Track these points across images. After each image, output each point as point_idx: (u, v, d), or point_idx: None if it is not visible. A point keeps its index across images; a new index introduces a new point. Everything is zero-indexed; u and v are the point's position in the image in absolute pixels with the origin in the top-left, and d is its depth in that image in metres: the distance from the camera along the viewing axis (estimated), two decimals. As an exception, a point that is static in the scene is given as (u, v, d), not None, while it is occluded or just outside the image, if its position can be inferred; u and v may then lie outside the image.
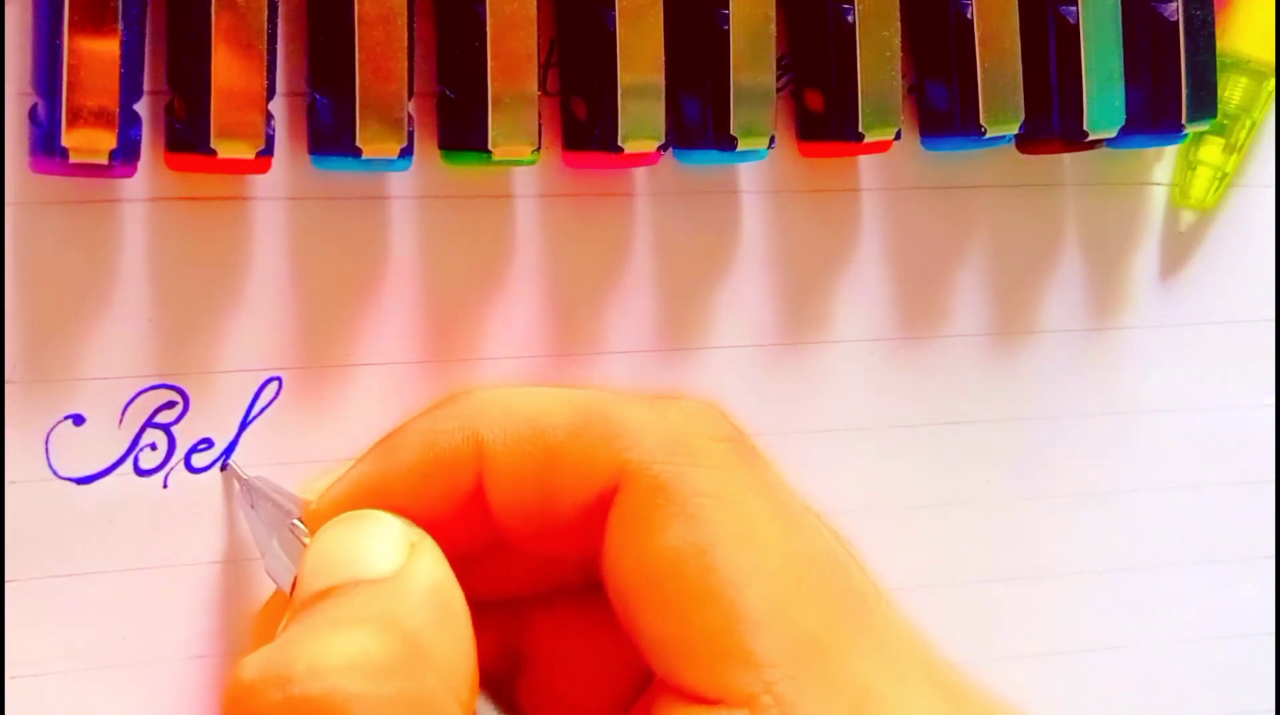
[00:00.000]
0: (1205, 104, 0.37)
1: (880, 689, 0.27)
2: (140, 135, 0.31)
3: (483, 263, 0.34)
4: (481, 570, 0.30)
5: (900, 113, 0.35)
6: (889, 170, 0.37)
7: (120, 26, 0.30)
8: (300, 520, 0.30)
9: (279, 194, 0.33)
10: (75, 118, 0.29)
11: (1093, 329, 0.39)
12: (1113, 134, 0.36)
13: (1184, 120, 0.37)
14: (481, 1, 0.32)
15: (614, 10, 0.33)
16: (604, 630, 0.31)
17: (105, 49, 0.29)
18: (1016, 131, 0.36)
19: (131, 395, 0.32)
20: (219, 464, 0.33)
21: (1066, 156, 0.39)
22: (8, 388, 0.31)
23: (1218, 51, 0.37)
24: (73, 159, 0.30)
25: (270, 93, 0.31)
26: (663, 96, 0.33)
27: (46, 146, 0.30)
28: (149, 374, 0.32)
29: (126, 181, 0.32)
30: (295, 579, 0.29)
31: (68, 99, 0.29)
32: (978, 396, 0.39)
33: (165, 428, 0.33)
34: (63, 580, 0.32)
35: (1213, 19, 0.37)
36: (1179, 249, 0.40)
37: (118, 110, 0.30)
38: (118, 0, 0.29)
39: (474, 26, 0.32)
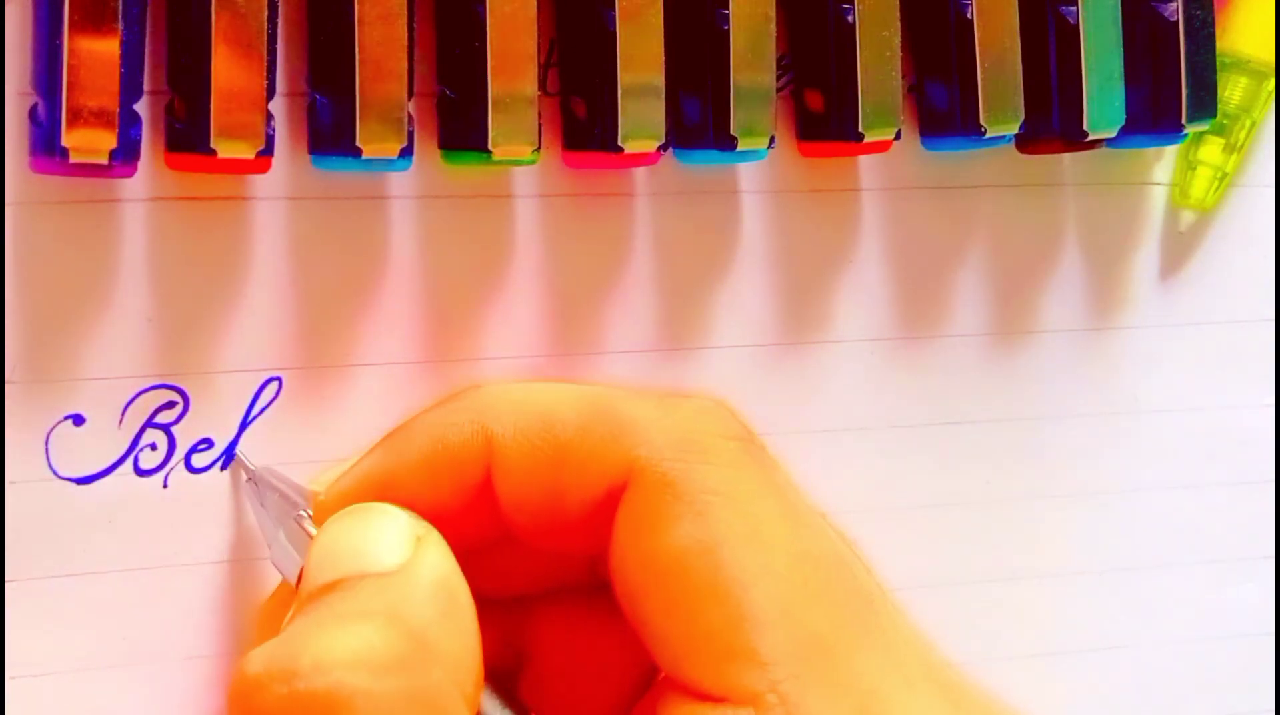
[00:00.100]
0: (1205, 104, 0.37)
1: (885, 690, 0.27)
2: (140, 135, 0.31)
3: (483, 263, 0.34)
4: (487, 566, 0.30)
5: (900, 113, 0.35)
6: (889, 170, 0.37)
7: (120, 26, 0.30)
8: (307, 512, 0.30)
9: (279, 194, 0.33)
10: (75, 118, 0.29)
11: (1093, 329, 0.39)
12: (1113, 134, 0.36)
13: (1184, 120, 0.37)
14: (481, 1, 0.32)
15: (614, 10, 0.33)
16: (608, 628, 0.31)
17: (105, 49, 0.29)
18: (1016, 131, 0.36)
19: (131, 395, 0.32)
20: (220, 463, 0.33)
21: (1066, 156, 0.39)
22: (8, 388, 0.31)
23: (1218, 51, 0.37)
24: (73, 159, 0.30)
25: (270, 93, 0.31)
26: (663, 96, 0.33)
27: (46, 146, 0.30)
28: (149, 374, 0.32)
29: (126, 181, 0.32)
30: (301, 571, 0.28)
31: (68, 99, 0.29)
32: (978, 396, 0.39)
33: (165, 428, 0.33)
34: (63, 580, 0.32)
35: (1213, 19, 0.37)
36: (1179, 249, 0.40)
37: (118, 110, 0.30)
38: (118, 0, 0.29)
39: (474, 26, 0.32)
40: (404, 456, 0.30)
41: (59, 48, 0.29)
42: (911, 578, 0.37)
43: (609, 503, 0.29)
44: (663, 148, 0.34)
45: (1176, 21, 0.36)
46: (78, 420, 0.32)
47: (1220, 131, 0.39)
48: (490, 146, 0.32)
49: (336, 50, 0.31)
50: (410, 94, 0.32)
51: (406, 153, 0.32)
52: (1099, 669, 0.40)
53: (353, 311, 0.34)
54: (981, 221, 0.38)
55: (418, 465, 0.30)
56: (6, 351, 0.31)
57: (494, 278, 0.35)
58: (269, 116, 0.31)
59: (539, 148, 0.33)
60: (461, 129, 0.33)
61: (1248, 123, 0.39)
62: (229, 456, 0.33)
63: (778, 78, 0.35)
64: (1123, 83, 0.36)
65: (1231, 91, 0.39)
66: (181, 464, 0.33)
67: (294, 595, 0.29)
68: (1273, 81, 0.39)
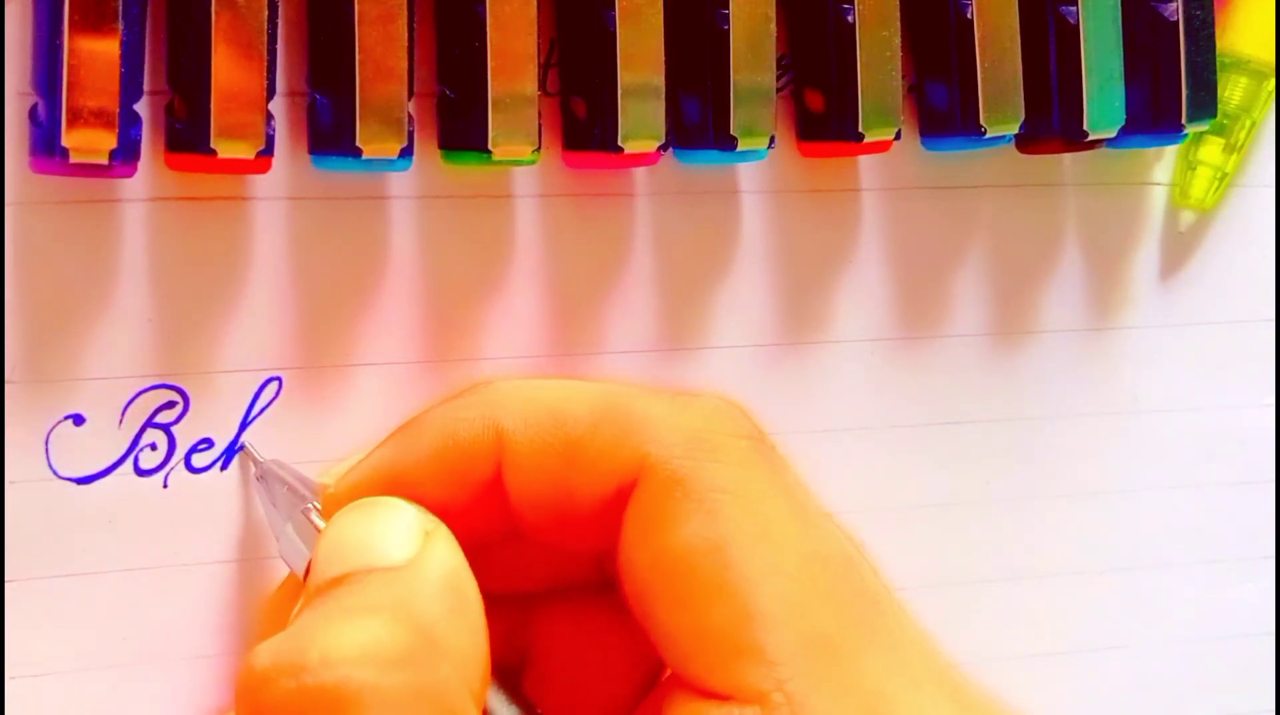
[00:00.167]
0: (1205, 104, 0.37)
1: (892, 691, 0.27)
2: (140, 135, 0.31)
3: (483, 263, 0.34)
4: (493, 562, 0.30)
5: (900, 113, 0.35)
6: (889, 170, 0.37)
7: (120, 26, 0.30)
8: (315, 505, 0.30)
9: (279, 194, 0.33)
10: (75, 118, 0.29)
11: (1093, 329, 0.39)
12: (1113, 134, 0.36)
13: (1184, 120, 0.37)
14: (481, 1, 0.32)
15: (614, 10, 0.33)
16: (612, 628, 0.31)
17: (105, 49, 0.29)
18: (1016, 131, 0.36)
19: (131, 395, 0.32)
20: (220, 463, 0.33)
21: (1066, 156, 0.39)
22: (8, 388, 0.31)
23: (1218, 51, 0.37)
24: (73, 159, 0.30)
25: (270, 93, 0.31)
26: (663, 96, 0.33)
27: (46, 146, 0.30)
28: (149, 374, 0.32)
29: (126, 181, 0.32)
30: (308, 564, 0.28)
31: (68, 99, 0.29)
32: (978, 396, 0.39)
33: (165, 428, 0.33)
34: (63, 580, 0.32)
35: (1213, 19, 0.37)
36: (1179, 249, 0.40)
37: (118, 110, 0.30)
38: (118, 0, 0.29)
39: (474, 26, 0.32)
40: (414, 451, 0.30)
41: (59, 48, 0.29)
42: (911, 578, 0.37)
43: (618, 500, 0.29)
44: (663, 148, 0.34)
45: (1176, 21, 0.36)
46: (78, 420, 0.32)
47: (1220, 131, 0.39)
48: (490, 146, 0.32)
49: (336, 50, 0.31)
50: (410, 94, 0.32)
51: (406, 153, 0.32)
52: (1099, 669, 0.40)
53: (353, 311, 0.34)
54: (981, 221, 0.38)
55: (428, 460, 0.30)
56: (6, 351, 0.31)
57: (494, 278, 0.35)
58: (269, 116, 0.31)
59: (539, 148, 0.33)
60: (461, 129, 0.33)
61: (1248, 123, 0.39)
62: (229, 456, 0.33)
63: (778, 78, 0.35)
64: (1123, 83, 0.36)
65: (1231, 91, 0.39)
66: (181, 464, 0.33)
67: (301, 588, 0.29)
68: (1273, 81, 0.39)
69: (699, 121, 0.34)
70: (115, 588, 0.32)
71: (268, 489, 0.32)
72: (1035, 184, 0.39)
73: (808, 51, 0.35)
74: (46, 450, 0.32)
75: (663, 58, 0.33)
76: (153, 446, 0.32)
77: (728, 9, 0.33)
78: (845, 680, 0.26)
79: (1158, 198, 0.40)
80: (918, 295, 0.38)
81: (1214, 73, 0.37)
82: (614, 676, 0.31)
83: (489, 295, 0.35)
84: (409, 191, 0.34)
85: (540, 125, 0.33)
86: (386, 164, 0.32)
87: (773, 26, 0.34)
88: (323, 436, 0.33)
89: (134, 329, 0.32)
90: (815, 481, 0.31)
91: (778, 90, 0.35)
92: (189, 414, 0.33)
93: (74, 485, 0.32)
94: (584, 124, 0.34)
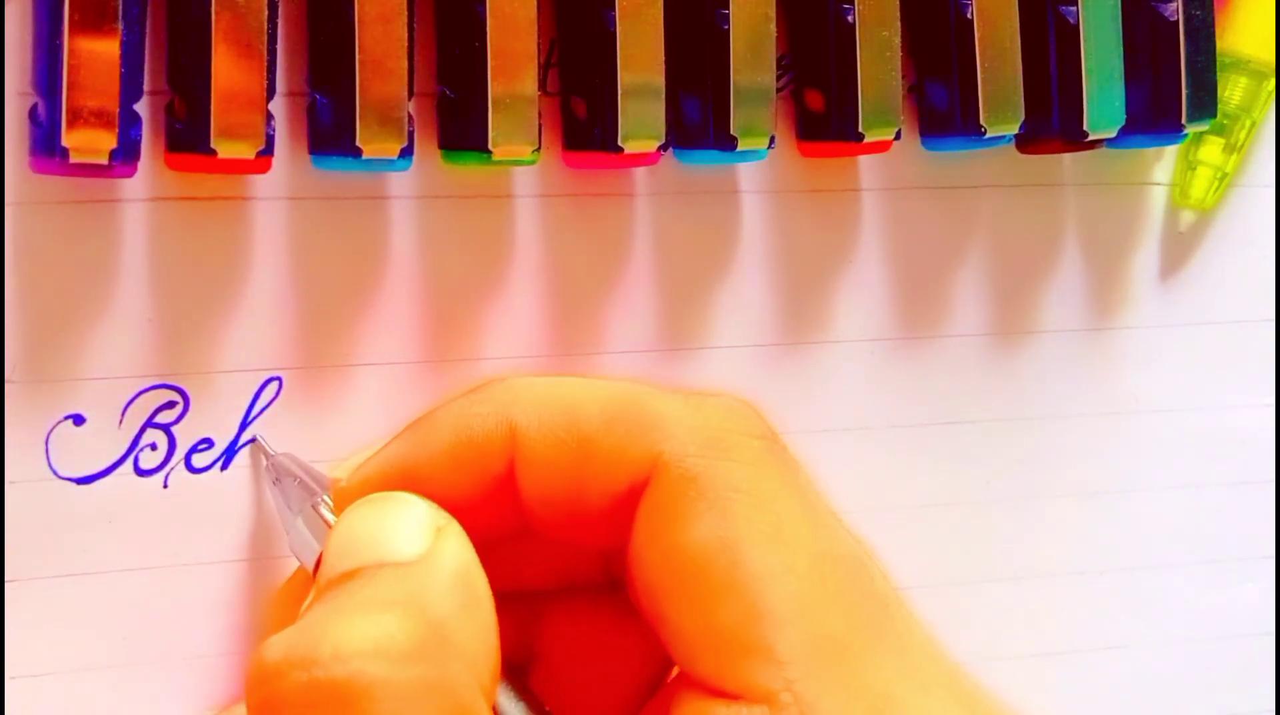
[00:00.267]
0: (1205, 104, 0.37)
1: (901, 694, 0.27)
2: (140, 135, 0.31)
3: (483, 263, 0.34)
4: (503, 559, 0.30)
5: (900, 113, 0.35)
6: (889, 170, 0.37)
7: (120, 26, 0.30)
8: (326, 499, 0.30)
9: (279, 194, 0.33)
10: (75, 118, 0.29)
11: (1093, 329, 0.39)
12: (1113, 134, 0.36)
13: (1184, 120, 0.37)
14: (481, 1, 0.32)
15: (614, 10, 0.33)
16: (620, 627, 0.31)
17: (105, 49, 0.29)
18: (1016, 131, 0.36)
19: (131, 395, 0.32)
20: (220, 463, 0.33)
21: (1066, 156, 0.39)
22: (8, 388, 0.31)
23: (1218, 51, 0.37)
24: (73, 159, 0.30)
25: (270, 93, 0.31)
26: (663, 96, 0.33)
27: (46, 146, 0.30)
28: (149, 374, 0.32)
29: (126, 181, 0.32)
30: (319, 558, 0.28)
31: (68, 99, 0.29)
32: (978, 396, 0.39)
33: (165, 428, 0.33)
34: (63, 580, 0.32)
35: (1213, 19, 0.37)
36: (1179, 249, 0.40)
37: (118, 110, 0.30)
38: (118, 0, 0.29)
39: (474, 26, 0.32)
40: (427, 446, 0.30)
41: (59, 48, 0.29)
42: (912, 578, 0.37)
43: (631, 498, 0.29)
44: (663, 148, 0.34)
45: (1176, 21, 0.36)
46: (78, 420, 0.32)
47: (1220, 131, 0.39)
48: (490, 146, 0.32)
49: (336, 50, 0.31)
50: (410, 94, 0.32)
51: (406, 153, 0.32)
52: (1099, 669, 0.40)
53: (353, 311, 0.34)
54: (981, 221, 0.38)
55: (440, 455, 0.30)
56: (6, 351, 0.31)
57: (494, 278, 0.35)
58: (269, 116, 0.31)
59: (539, 148, 0.33)
60: (461, 129, 0.33)
61: (1248, 123, 0.39)
62: (230, 456, 0.33)
63: (778, 78, 0.35)
64: (1123, 83, 0.36)
65: (1231, 91, 0.39)
66: (181, 464, 0.33)
67: (310, 582, 0.29)
68: (1273, 81, 0.39)
69: (699, 121, 0.34)
70: (115, 588, 0.32)
71: (278, 482, 0.32)
72: (1035, 184, 0.39)
73: (808, 51, 0.35)
74: (46, 450, 0.32)
75: (663, 58, 0.33)
76: (153, 446, 0.32)
77: (728, 9, 0.33)
78: (854, 682, 0.26)
79: (1158, 198, 0.40)
80: (918, 295, 0.38)
81: (1214, 73, 0.37)
82: (621, 675, 0.31)
83: (489, 295, 0.35)
84: (409, 191, 0.34)
85: (540, 125, 0.33)
86: (386, 164, 0.32)
87: (773, 26, 0.34)
88: (323, 437, 0.33)
89: (134, 329, 0.32)
90: (816, 482, 0.31)
91: (778, 90, 0.35)
92: (189, 414, 0.33)
93: (74, 485, 0.32)
94: (584, 124, 0.34)
